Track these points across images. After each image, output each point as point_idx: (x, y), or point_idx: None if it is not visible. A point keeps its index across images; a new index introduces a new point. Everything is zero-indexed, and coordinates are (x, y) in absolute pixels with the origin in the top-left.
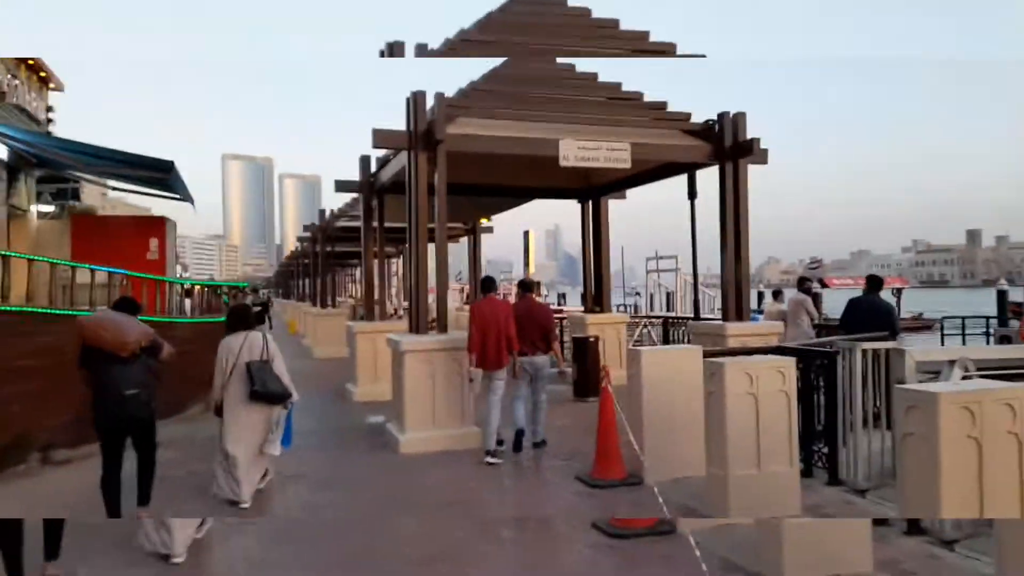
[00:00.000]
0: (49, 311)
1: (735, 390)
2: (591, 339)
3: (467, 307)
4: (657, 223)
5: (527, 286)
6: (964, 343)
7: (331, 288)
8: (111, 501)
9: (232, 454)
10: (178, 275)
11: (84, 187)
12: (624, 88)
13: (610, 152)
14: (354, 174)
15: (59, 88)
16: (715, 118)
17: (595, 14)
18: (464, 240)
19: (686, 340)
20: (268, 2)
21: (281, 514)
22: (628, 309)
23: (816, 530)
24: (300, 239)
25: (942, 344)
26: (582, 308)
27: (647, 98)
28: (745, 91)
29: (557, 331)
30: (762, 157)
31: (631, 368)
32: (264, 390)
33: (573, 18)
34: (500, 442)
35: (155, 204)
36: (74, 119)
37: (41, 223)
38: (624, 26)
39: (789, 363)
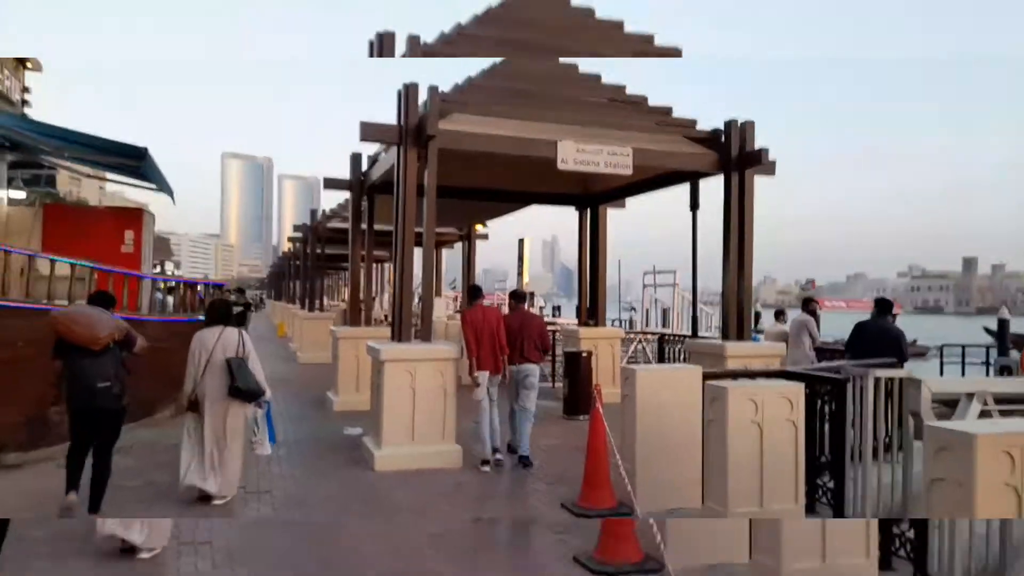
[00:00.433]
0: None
1: (738, 418)
2: (584, 354)
3: (459, 315)
4: (654, 236)
5: (520, 297)
6: (963, 373)
7: (320, 291)
8: (72, 478)
9: (208, 449)
10: (171, 273)
11: (81, 181)
12: (628, 91)
13: (611, 157)
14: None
15: (36, 68)
16: (722, 126)
17: (598, 15)
18: (459, 247)
19: (683, 358)
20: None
21: (236, 537)
22: (623, 324)
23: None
24: (291, 239)
25: (941, 373)
26: (576, 321)
27: (651, 103)
28: (740, 105)
29: (550, 341)
30: (770, 168)
31: (625, 388)
32: (245, 386)
33: (576, 18)
34: (495, 450)
35: (156, 200)
36: (86, 117)
37: (11, 210)
38: (627, 28)
39: (798, 390)
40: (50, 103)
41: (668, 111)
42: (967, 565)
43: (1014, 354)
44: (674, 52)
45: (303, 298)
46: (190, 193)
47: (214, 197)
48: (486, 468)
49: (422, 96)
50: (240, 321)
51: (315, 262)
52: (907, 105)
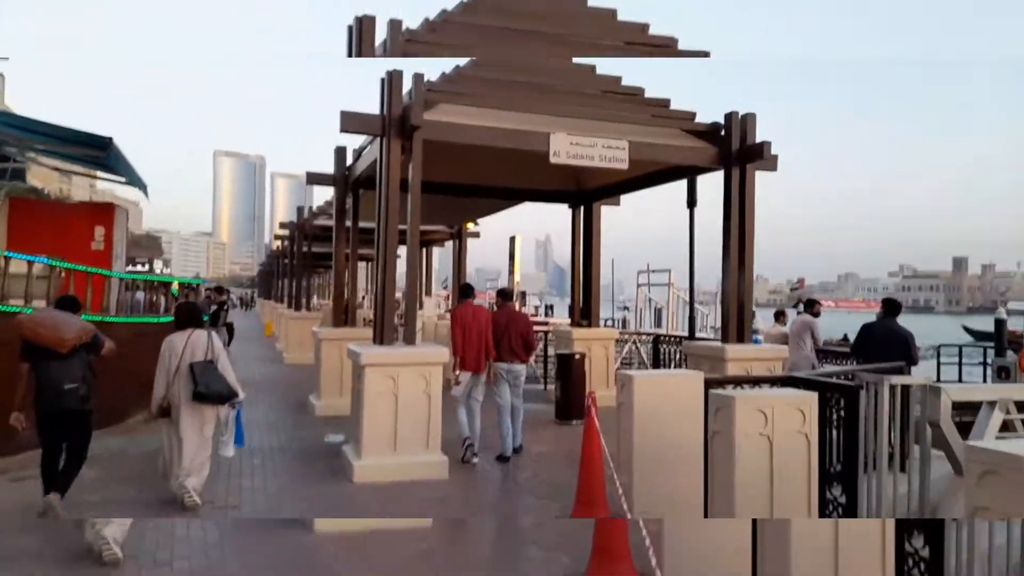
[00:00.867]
0: None
1: (746, 430)
2: (577, 356)
3: (449, 314)
4: (647, 234)
5: (507, 295)
6: (960, 374)
7: (308, 289)
8: (48, 481)
9: (185, 452)
10: (160, 272)
11: (72, 179)
12: (624, 84)
13: (606, 150)
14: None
15: None
16: (721, 120)
17: (591, 3)
18: (449, 245)
19: (679, 359)
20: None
21: (200, 557)
22: (616, 324)
23: None
24: (278, 237)
25: (938, 375)
26: (568, 321)
27: (647, 95)
28: (731, 100)
29: (536, 340)
30: (772, 163)
31: (621, 396)
32: (208, 391)
33: (567, 5)
34: (471, 446)
35: (149, 197)
36: (73, 114)
37: None
38: (621, 18)
39: (810, 400)
40: (36, 99)
41: (666, 103)
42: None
43: (1011, 355)
44: (670, 42)
45: (290, 297)
46: (182, 191)
47: (206, 195)
48: (470, 449)
49: (407, 85)
50: (214, 321)
51: (302, 260)
52: (901, 104)
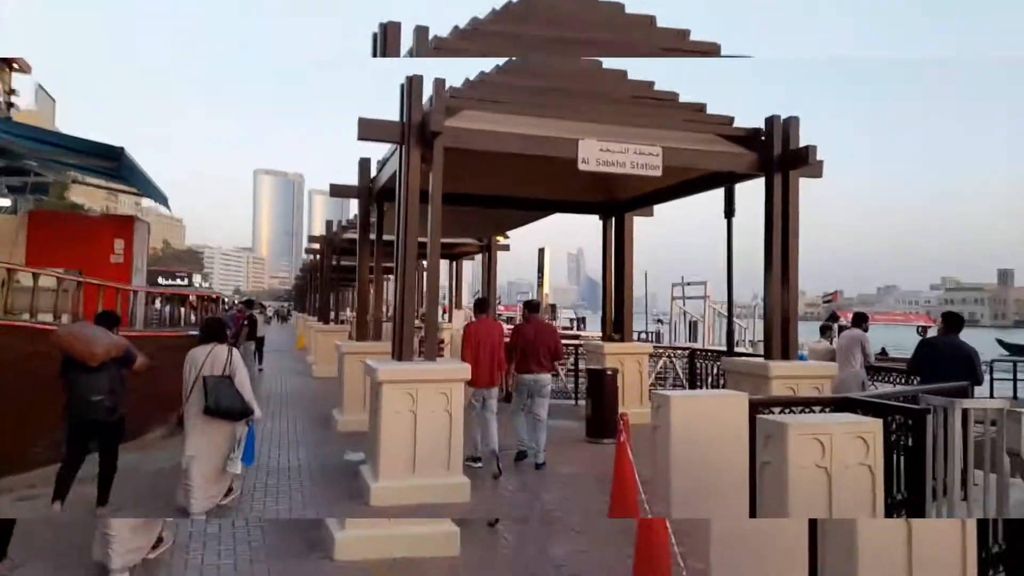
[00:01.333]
0: None
1: (800, 462)
2: (609, 371)
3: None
4: (682, 245)
5: (533, 307)
6: (1015, 390)
7: (338, 302)
8: (60, 489)
9: (185, 466)
10: (198, 285)
11: (119, 197)
12: (657, 88)
13: (638, 157)
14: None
15: (24, 70)
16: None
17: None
18: (479, 258)
19: (716, 375)
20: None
21: None
22: (651, 337)
23: None
24: (309, 251)
25: (992, 390)
26: (600, 334)
27: (683, 99)
28: (774, 106)
29: (564, 351)
30: (817, 169)
31: (657, 418)
32: (216, 407)
33: (603, 13)
34: (478, 459)
35: (191, 215)
36: (121, 132)
37: None
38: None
39: (874, 427)
40: (8, 85)
41: (702, 108)
42: None
43: None
44: (711, 48)
45: (319, 310)
46: (223, 207)
47: (247, 212)
48: (477, 465)
49: (427, 92)
50: (236, 337)
51: (331, 273)
52: (946, 109)
